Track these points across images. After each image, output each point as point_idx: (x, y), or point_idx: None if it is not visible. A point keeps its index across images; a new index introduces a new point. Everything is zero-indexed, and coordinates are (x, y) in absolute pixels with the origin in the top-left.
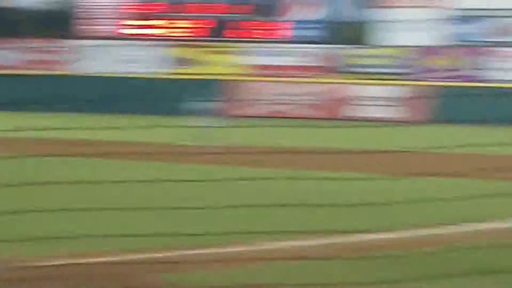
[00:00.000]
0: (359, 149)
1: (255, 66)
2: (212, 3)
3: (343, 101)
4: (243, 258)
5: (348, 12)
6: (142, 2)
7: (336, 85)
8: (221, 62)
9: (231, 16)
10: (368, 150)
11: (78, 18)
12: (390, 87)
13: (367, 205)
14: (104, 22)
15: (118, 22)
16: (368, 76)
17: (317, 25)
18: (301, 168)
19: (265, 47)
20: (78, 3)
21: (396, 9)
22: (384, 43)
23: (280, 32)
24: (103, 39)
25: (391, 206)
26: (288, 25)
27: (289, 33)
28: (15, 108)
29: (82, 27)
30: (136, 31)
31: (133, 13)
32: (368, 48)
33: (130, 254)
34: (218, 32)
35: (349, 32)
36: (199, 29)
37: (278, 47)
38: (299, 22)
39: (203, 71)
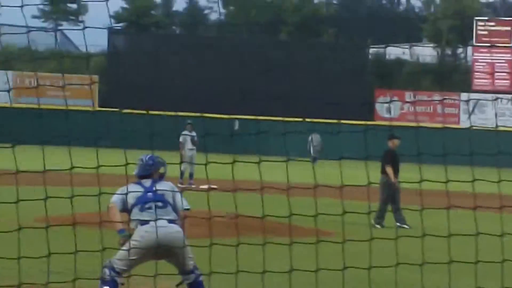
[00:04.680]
0: None
1: None
2: None
3: None
4: None
5: None
6: None
7: None
8: None
9: None
10: None
11: (473, 72)
12: None
13: None
14: (498, 76)
15: None
16: None
17: None
18: None
19: None
20: (472, 57)
21: None
22: None
23: None
24: (497, 93)
25: None
26: None
27: None
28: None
29: (475, 80)
30: None
31: None
32: None
33: None
34: None
35: None
36: None
37: None
38: None
39: None
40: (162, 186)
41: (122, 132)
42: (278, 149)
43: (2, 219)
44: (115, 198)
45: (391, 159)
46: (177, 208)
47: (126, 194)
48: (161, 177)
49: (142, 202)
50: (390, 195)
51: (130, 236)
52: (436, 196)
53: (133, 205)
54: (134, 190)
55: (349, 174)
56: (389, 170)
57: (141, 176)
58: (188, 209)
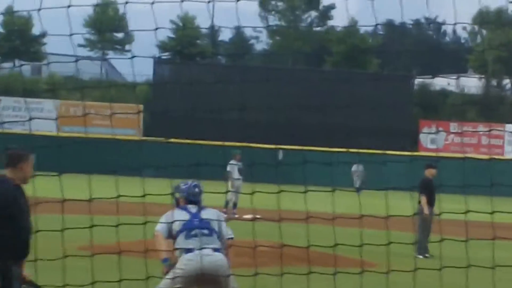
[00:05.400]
0: None
1: None
2: None
3: None
4: None
5: None
6: None
7: None
8: None
9: None
10: None
11: None
12: None
13: None
14: None
15: None
16: None
17: None
18: None
19: None
20: None
21: None
22: None
23: None
24: None
25: None
26: None
27: None
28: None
29: None
30: None
31: None
32: None
33: None
34: None
35: None
36: None
37: None
38: None
39: None
40: (208, 213)
41: (166, 161)
42: (322, 179)
43: (47, 247)
44: (160, 227)
45: (427, 189)
46: (223, 236)
47: (172, 222)
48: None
49: (187, 229)
50: (427, 224)
51: (173, 265)
52: (481, 227)
53: (179, 232)
54: (180, 218)
55: (393, 205)
56: (423, 199)
57: (188, 201)
58: (231, 238)
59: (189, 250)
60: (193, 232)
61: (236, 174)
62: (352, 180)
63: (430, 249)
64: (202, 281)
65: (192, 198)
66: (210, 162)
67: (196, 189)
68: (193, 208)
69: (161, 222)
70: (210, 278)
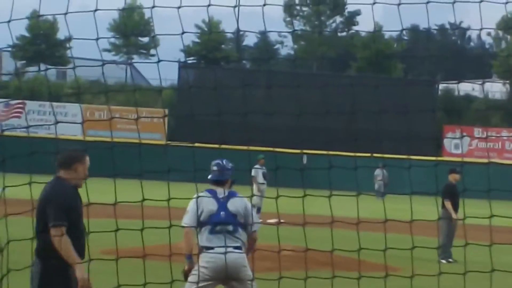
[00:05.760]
0: None
1: None
2: None
3: None
4: None
5: None
6: None
7: None
8: None
9: None
10: None
11: None
12: None
13: None
14: None
15: None
16: None
17: None
18: None
19: None
20: None
21: None
22: None
23: None
24: None
25: None
26: None
27: None
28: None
29: None
30: None
31: None
32: None
33: None
34: None
35: None
36: None
37: None
38: None
39: None
40: (236, 203)
41: (191, 165)
42: (346, 184)
43: None
44: (188, 219)
45: (451, 194)
46: (248, 228)
47: (200, 212)
48: (232, 184)
49: (213, 223)
50: (451, 229)
51: (193, 263)
52: (505, 232)
53: (204, 223)
54: (208, 207)
55: (417, 209)
56: (448, 205)
57: (216, 181)
58: (255, 231)
59: (210, 248)
60: (218, 228)
61: (260, 179)
62: (374, 185)
63: (454, 253)
64: (222, 279)
65: (223, 177)
66: (235, 166)
67: (229, 166)
68: (221, 194)
69: (188, 214)
70: (231, 276)
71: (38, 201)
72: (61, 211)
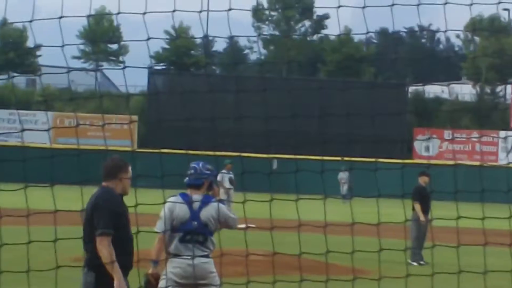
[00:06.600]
0: None
1: None
2: None
3: None
4: None
5: None
6: None
7: None
8: None
9: None
10: None
11: (511, 109)
12: None
13: None
14: None
15: None
16: None
17: None
18: None
19: None
20: (510, 96)
21: None
22: None
23: None
24: None
25: None
26: None
27: None
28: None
29: None
30: None
31: None
32: None
33: None
34: None
35: None
36: None
37: None
38: None
39: None
40: (209, 211)
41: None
42: (316, 188)
43: (40, 258)
44: (162, 226)
45: (421, 196)
46: (229, 225)
47: (172, 219)
48: (210, 187)
49: (183, 230)
50: (421, 231)
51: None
52: (473, 234)
53: (175, 230)
54: (181, 214)
55: (386, 212)
56: (417, 207)
57: (191, 185)
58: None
59: (178, 255)
60: (188, 237)
61: (226, 183)
62: (339, 188)
63: (424, 256)
64: (191, 285)
65: (198, 182)
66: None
67: (206, 170)
68: (196, 199)
69: (162, 218)
70: (199, 281)
71: (86, 210)
72: (108, 219)
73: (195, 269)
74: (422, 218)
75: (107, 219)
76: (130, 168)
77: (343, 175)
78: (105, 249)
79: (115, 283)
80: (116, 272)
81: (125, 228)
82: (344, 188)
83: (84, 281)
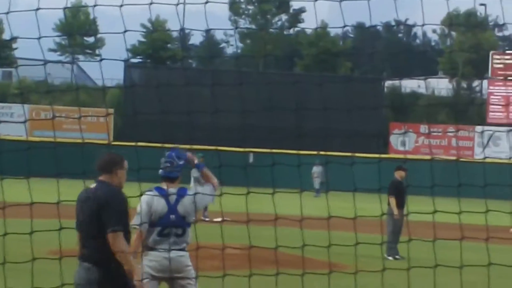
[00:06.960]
0: None
1: None
2: None
3: None
4: None
5: None
6: None
7: None
8: None
9: None
10: None
11: (488, 105)
12: None
13: None
14: None
15: None
16: None
17: None
18: None
19: None
20: (488, 90)
21: None
22: None
23: None
24: (511, 126)
25: None
26: None
27: None
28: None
29: (490, 113)
30: None
31: None
32: None
33: None
34: None
35: None
36: None
37: None
38: None
39: None
40: (185, 203)
41: (136, 164)
42: (292, 182)
43: (16, 251)
44: (139, 221)
45: (396, 190)
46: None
47: (150, 213)
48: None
49: (162, 225)
50: (397, 226)
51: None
52: (449, 229)
53: (153, 224)
54: (159, 208)
55: (362, 207)
56: (392, 201)
57: (166, 178)
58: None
59: (155, 248)
60: (166, 231)
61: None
62: (312, 182)
63: (400, 250)
64: (166, 278)
65: (174, 175)
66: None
67: (181, 162)
68: (171, 192)
69: (141, 213)
70: (174, 275)
71: (89, 206)
72: (118, 216)
73: (171, 262)
74: (396, 212)
75: (118, 217)
76: (126, 163)
77: (316, 169)
78: (122, 244)
79: (135, 277)
80: (132, 267)
81: (127, 224)
82: (316, 182)
83: (86, 276)
